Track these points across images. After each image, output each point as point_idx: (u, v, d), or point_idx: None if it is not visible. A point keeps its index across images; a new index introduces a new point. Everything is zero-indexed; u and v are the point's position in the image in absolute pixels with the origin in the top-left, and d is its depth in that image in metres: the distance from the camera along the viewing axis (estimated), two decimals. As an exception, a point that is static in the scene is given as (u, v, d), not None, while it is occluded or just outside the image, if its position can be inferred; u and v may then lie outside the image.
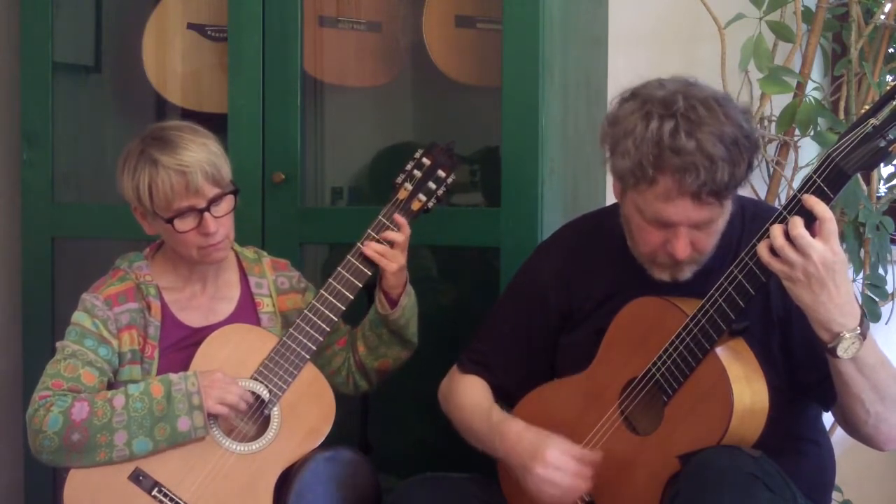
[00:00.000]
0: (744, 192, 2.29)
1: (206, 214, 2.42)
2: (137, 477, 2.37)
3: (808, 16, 2.97)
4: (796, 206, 2.01)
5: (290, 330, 2.46)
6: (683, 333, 2.12)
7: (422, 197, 2.52)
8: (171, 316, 2.51)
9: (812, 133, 2.92)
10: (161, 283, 2.53)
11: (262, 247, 2.76)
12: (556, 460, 2.18)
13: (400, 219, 2.49)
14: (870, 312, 2.94)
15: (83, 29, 3.25)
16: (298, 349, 2.45)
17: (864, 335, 2.03)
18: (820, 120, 2.94)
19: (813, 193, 2.00)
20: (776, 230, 2.01)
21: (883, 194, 3.05)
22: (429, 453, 3.03)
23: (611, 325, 2.25)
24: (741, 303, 2.08)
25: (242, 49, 2.91)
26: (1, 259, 3.30)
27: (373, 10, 3.13)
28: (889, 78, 3.03)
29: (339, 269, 2.48)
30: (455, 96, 3.19)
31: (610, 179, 2.25)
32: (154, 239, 2.58)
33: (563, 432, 2.24)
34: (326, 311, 2.47)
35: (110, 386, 2.45)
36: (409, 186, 2.51)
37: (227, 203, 2.46)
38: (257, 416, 2.43)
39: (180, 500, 2.37)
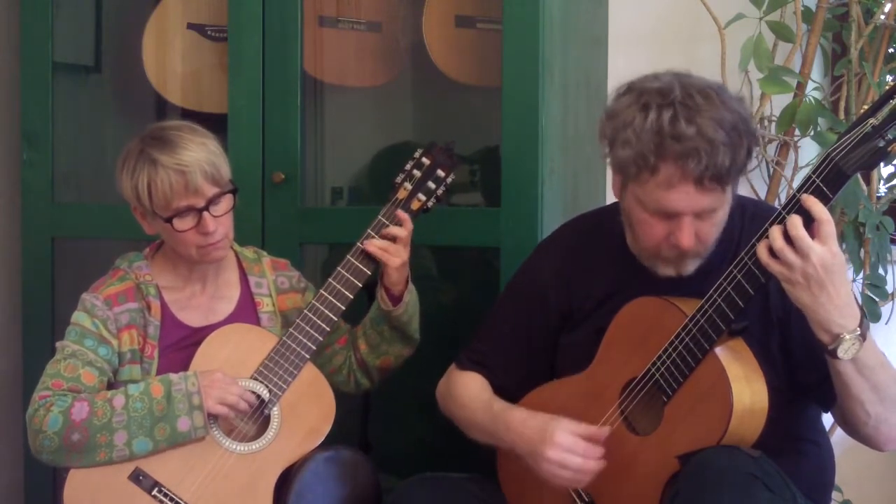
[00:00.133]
0: (744, 192, 2.29)
1: (205, 214, 2.42)
2: (137, 477, 2.37)
3: (808, 16, 2.97)
4: (795, 206, 2.01)
5: (290, 330, 2.47)
6: (683, 333, 2.12)
7: (421, 196, 2.52)
8: (170, 315, 2.51)
9: (812, 133, 2.92)
10: (161, 282, 2.53)
11: (262, 247, 2.76)
12: (565, 442, 2.18)
13: (402, 214, 2.49)
14: (870, 312, 2.94)
15: (83, 29, 3.25)
16: (298, 349, 2.45)
17: (863, 336, 2.03)
18: (820, 120, 2.94)
19: (812, 193, 2.00)
20: (775, 232, 2.01)
21: (883, 194, 3.05)
22: (429, 453, 3.03)
23: (610, 324, 2.25)
24: (740, 303, 2.08)
25: (242, 49, 2.91)
26: (1, 259, 3.31)
27: (373, 10, 3.13)
28: (889, 78, 3.03)
29: (338, 268, 2.49)
30: (455, 96, 3.19)
31: (610, 179, 2.25)
32: (154, 239, 2.59)
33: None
34: (326, 311, 2.47)
35: (110, 386, 2.45)
36: (408, 186, 2.52)
37: (226, 202, 2.46)
38: (257, 415, 2.43)
39: (180, 499, 2.37)
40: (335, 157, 3.33)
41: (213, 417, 2.39)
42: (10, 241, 3.25)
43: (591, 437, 2.19)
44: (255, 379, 2.44)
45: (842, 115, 2.97)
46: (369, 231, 2.49)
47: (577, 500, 2.26)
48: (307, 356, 2.45)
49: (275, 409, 2.44)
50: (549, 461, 2.18)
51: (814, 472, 2.28)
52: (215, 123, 2.67)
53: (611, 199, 2.31)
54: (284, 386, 2.44)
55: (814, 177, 2.01)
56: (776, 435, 2.14)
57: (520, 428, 2.26)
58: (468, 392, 2.41)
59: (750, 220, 2.23)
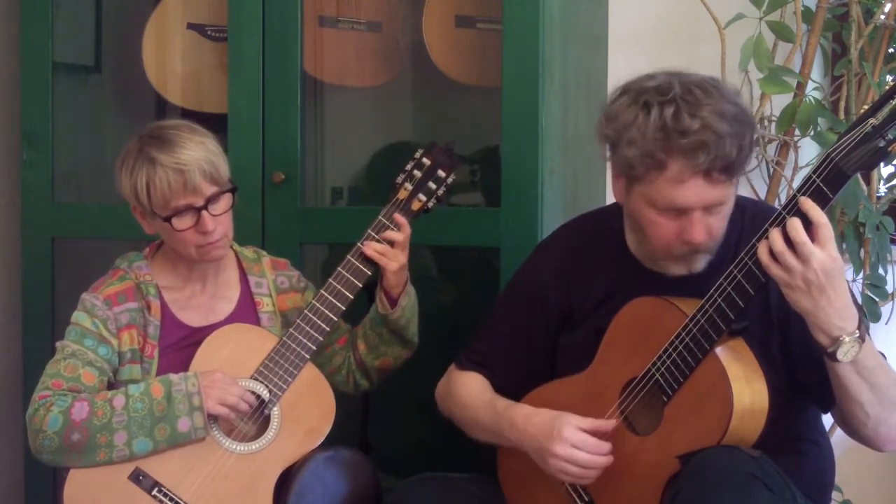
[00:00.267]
0: (744, 192, 2.29)
1: (204, 213, 2.42)
2: (137, 477, 2.37)
3: (808, 16, 2.97)
4: (794, 207, 2.01)
5: (290, 330, 2.47)
6: (683, 333, 2.12)
7: (422, 197, 2.52)
8: (170, 315, 2.51)
9: (812, 133, 2.92)
10: (161, 282, 2.53)
11: (262, 247, 2.76)
12: (573, 437, 2.18)
13: (400, 218, 2.49)
14: (870, 312, 2.94)
15: (83, 29, 3.25)
16: (298, 349, 2.45)
17: (862, 338, 2.03)
18: (820, 120, 2.94)
19: (812, 193, 2.00)
20: (775, 234, 2.01)
21: (883, 194, 3.05)
22: (429, 453, 3.03)
23: (610, 324, 2.25)
24: (740, 303, 2.08)
25: (242, 49, 2.91)
26: (1, 259, 3.30)
27: (373, 10, 3.13)
28: (889, 78, 3.03)
29: (339, 268, 2.49)
30: (455, 96, 3.19)
31: (610, 179, 2.25)
32: (154, 239, 2.59)
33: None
34: (326, 311, 2.47)
35: (110, 386, 2.45)
36: (409, 186, 2.52)
37: (225, 201, 2.46)
38: (257, 415, 2.43)
39: (180, 500, 2.37)
40: (335, 157, 3.33)
41: (213, 418, 2.39)
42: (10, 241, 3.25)
43: (598, 430, 2.19)
44: (255, 379, 2.44)
45: (842, 115, 2.97)
46: (370, 231, 2.49)
47: (577, 499, 2.26)
48: (307, 356, 2.45)
49: (275, 409, 2.44)
50: (557, 457, 2.18)
51: (814, 472, 2.28)
52: (215, 123, 2.67)
53: (611, 199, 2.31)
54: (284, 386, 2.44)
55: (814, 177, 2.01)
56: (776, 435, 2.14)
57: (525, 425, 2.25)
58: (469, 392, 2.41)
59: (750, 220, 2.23)
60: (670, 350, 2.14)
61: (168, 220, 2.42)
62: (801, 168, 3.01)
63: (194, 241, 2.45)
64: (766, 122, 3.03)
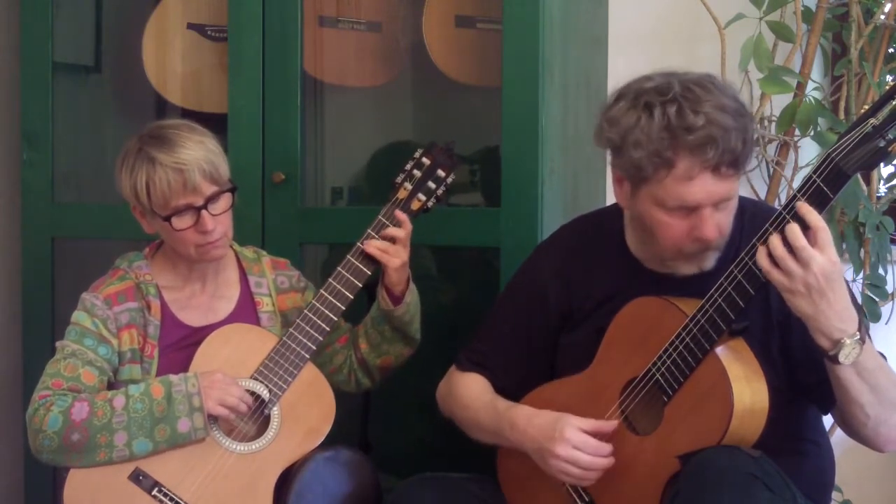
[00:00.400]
0: (744, 192, 2.29)
1: (204, 212, 2.42)
2: (137, 477, 2.37)
3: (808, 16, 2.97)
4: (792, 209, 2.01)
5: (290, 330, 2.47)
6: (683, 333, 2.12)
7: (421, 196, 2.52)
8: (170, 315, 2.51)
9: (812, 133, 2.92)
10: (161, 282, 2.53)
11: (262, 247, 2.76)
12: (575, 438, 2.18)
13: (401, 214, 2.49)
14: (870, 312, 2.93)
15: (83, 29, 3.25)
16: (298, 349, 2.45)
17: (863, 340, 2.03)
18: (820, 120, 2.94)
19: (812, 193, 2.00)
20: (775, 240, 2.01)
21: (883, 194, 3.05)
22: (429, 453, 3.02)
23: (611, 324, 2.25)
24: (741, 303, 2.08)
25: (242, 49, 2.91)
26: (1, 259, 3.30)
27: (373, 10, 3.13)
28: (889, 78, 3.03)
29: (338, 268, 2.49)
30: (455, 96, 3.19)
31: (610, 179, 2.25)
32: (154, 238, 2.59)
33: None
34: (326, 311, 2.47)
35: (110, 385, 2.45)
36: (408, 186, 2.52)
37: (225, 201, 2.46)
38: (257, 415, 2.43)
39: (180, 499, 2.37)
40: (335, 157, 3.33)
41: (213, 418, 2.39)
42: (10, 241, 3.25)
43: (599, 431, 2.19)
44: (255, 379, 2.44)
45: (842, 115, 2.97)
46: (369, 231, 2.49)
47: (578, 500, 2.26)
48: (307, 356, 2.45)
49: (275, 409, 2.43)
50: (559, 458, 2.18)
51: (814, 472, 2.28)
52: (215, 123, 2.67)
53: (611, 199, 2.31)
54: (284, 386, 2.44)
55: (814, 177, 2.01)
56: (776, 435, 2.14)
57: (526, 426, 2.25)
58: (470, 392, 2.41)
59: (750, 220, 2.23)
60: (670, 350, 2.14)
61: (168, 219, 2.42)
62: (801, 168, 3.01)
63: (194, 241, 2.45)
64: (766, 122, 3.03)
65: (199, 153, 2.41)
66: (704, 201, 2.10)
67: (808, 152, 3.05)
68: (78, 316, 2.47)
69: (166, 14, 3.11)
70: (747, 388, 2.10)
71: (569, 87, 2.88)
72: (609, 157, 2.22)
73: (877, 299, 2.97)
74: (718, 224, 2.13)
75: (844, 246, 2.94)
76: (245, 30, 2.90)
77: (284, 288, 2.60)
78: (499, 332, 2.43)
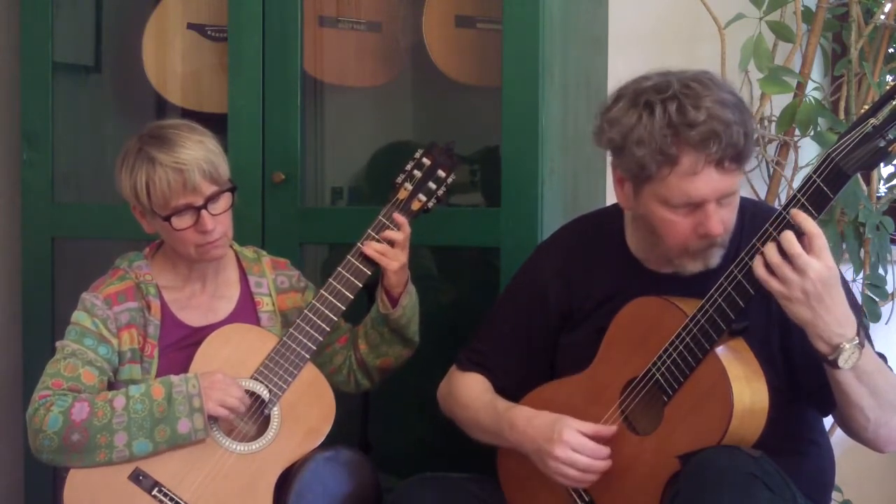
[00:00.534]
0: (744, 192, 2.29)
1: (204, 212, 2.42)
2: (137, 477, 2.37)
3: (808, 16, 2.97)
4: (795, 207, 2.01)
5: (290, 330, 2.47)
6: (683, 333, 2.12)
7: (422, 197, 2.52)
8: (170, 315, 2.51)
9: (812, 133, 2.92)
10: (161, 282, 2.53)
11: (262, 247, 2.76)
12: (573, 440, 2.18)
13: (399, 217, 2.49)
14: (870, 312, 2.94)
15: (83, 29, 3.25)
16: (298, 349, 2.45)
17: (862, 343, 2.03)
18: (820, 120, 2.94)
19: (813, 193, 2.01)
20: (770, 249, 2.01)
21: (883, 194, 3.05)
22: (429, 453, 3.02)
23: (611, 324, 2.25)
24: (741, 303, 2.08)
25: (242, 49, 2.91)
26: (1, 259, 3.30)
27: (373, 10, 3.13)
28: (889, 78, 3.03)
29: (339, 268, 2.49)
30: (455, 96, 3.19)
31: (610, 179, 2.24)
32: (154, 238, 2.59)
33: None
34: (326, 311, 2.47)
35: (110, 385, 2.45)
36: (409, 186, 2.52)
37: (225, 201, 2.46)
38: (257, 415, 2.43)
39: (180, 500, 2.37)
40: (335, 157, 3.33)
41: (213, 418, 2.39)
42: (10, 241, 3.25)
43: (598, 435, 2.19)
44: (255, 379, 2.44)
45: (842, 115, 2.97)
46: (370, 231, 2.49)
47: (578, 500, 2.26)
48: (307, 356, 2.45)
49: (275, 409, 2.43)
50: (557, 459, 2.19)
51: (814, 472, 2.28)
52: (215, 123, 2.67)
53: (611, 199, 2.31)
54: (284, 386, 2.44)
55: (814, 177, 2.01)
56: (776, 435, 2.14)
57: (525, 426, 2.26)
58: (470, 393, 2.41)
59: (750, 219, 2.23)
60: (670, 350, 2.14)
61: (168, 219, 2.42)
62: (801, 168, 3.01)
63: (194, 241, 2.45)
64: (766, 122, 3.04)
65: (198, 153, 2.41)
66: (709, 196, 2.10)
67: (808, 152, 3.05)
68: (78, 316, 2.47)
69: (166, 14, 3.11)
70: (747, 388, 2.10)
71: (569, 87, 2.88)
72: (609, 158, 2.22)
73: (877, 299, 2.98)
74: (723, 220, 2.14)
75: (844, 246, 2.94)
76: (245, 30, 2.90)
77: (284, 288, 2.60)
78: (499, 332, 2.43)
